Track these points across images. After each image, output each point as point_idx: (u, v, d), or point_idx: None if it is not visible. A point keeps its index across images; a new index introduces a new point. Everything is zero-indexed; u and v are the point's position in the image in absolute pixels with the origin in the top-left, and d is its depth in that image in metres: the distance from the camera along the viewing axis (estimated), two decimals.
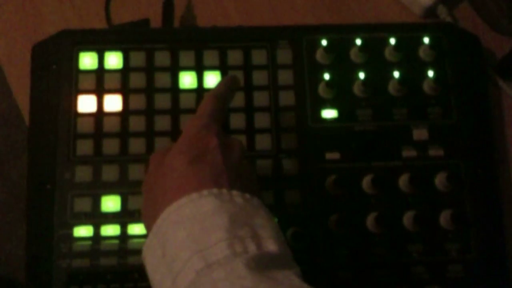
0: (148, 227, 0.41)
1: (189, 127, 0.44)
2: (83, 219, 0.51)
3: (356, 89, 0.55)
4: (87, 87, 0.55)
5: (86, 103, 0.54)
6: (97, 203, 0.52)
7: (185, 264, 0.36)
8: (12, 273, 1.22)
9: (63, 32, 0.57)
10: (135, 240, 0.51)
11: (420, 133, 0.55)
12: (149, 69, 0.55)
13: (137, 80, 0.55)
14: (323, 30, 0.57)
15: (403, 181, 0.53)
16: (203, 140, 0.42)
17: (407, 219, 0.52)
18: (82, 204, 0.52)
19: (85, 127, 0.54)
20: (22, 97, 0.59)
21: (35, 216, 0.52)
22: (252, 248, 0.36)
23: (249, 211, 0.39)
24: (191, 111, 0.55)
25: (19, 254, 1.22)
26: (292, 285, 0.35)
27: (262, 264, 0.36)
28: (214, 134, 0.42)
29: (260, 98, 0.56)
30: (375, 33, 0.57)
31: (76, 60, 0.55)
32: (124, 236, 0.52)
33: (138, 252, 0.50)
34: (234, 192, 0.39)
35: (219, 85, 0.48)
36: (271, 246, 0.37)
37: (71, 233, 0.51)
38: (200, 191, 0.39)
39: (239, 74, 0.56)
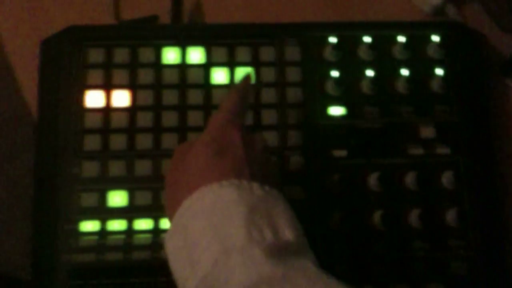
0: (170, 218, 0.42)
1: (213, 121, 0.45)
2: (89, 214, 0.51)
3: (364, 87, 0.55)
4: (95, 83, 0.55)
5: (94, 99, 0.55)
6: (103, 198, 0.52)
7: (204, 252, 0.37)
8: (12, 272, 1.22)
9: (71, 28, 0.57)
10: (141, 235, 0.52)
11: (427, 131, 0.55)
12: (157, 65, 0.55)
13: (145, 76, 0.55)
14: (332, 27, 0.57)
15: (409, 178, 0.53)
16: (226, 135, 0.43)
17: (413, 216, 0.52)
18: (89, 199, 0.52)
19: (93, 122, 0.54)
20: (30, 92, 0.59)
21: (41, 210, 0.52)
22: (269, 236, 0.37)
23: (267, 201, 0.39)
24: (199, 107, 0.55)
25: (20, 252, 1.22)
26: (308, 272, 0.36)
27: (279, 251, 0.36)
28: (238, 129, 0.43)
29: (268, 95, 0.56)
30: (383, 31, 0.57)
31: (84, 55, 0.56)
32: (130, 231, 0.52)
33: (144, 247, 0.51)
34: (254, 184, 0.40)
35: (242, 81, 0.49)
36: (288, 235, 0.38)
37: (77, 228, 0.51)
38: (220, 181, 0.39)
39: (247, 71, 0.55)
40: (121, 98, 0.55)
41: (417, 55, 0.57)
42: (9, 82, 0.60)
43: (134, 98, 0.55)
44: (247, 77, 0.49)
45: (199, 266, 0.37)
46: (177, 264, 0.39)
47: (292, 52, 0.57)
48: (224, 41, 0.57)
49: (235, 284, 0.35)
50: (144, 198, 0.52)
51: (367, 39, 0.57)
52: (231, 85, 0.54)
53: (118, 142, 0.53)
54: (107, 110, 0.54)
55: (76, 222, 0.51)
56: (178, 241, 0.39)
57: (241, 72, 0.56)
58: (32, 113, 0.59)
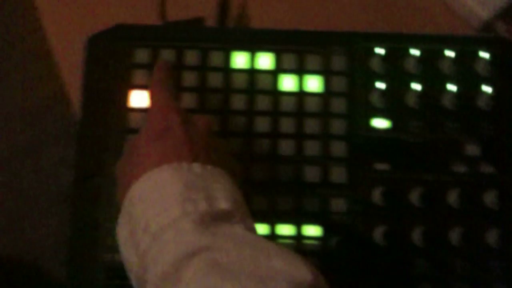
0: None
1: (150, 107, 0.46)
2: None
3: (410, 100, 0.55)
4: (140, 83, 0.55)
5: (138, 99, 0.55)
6: None
7: (144, 233, 0.37)
8: (39, 261, 1.23)
9: (118, 26, 0.57)
10: None
11: (472, 149, 0.54)
12: (203, 68, 0.55)
13: (190, 78, 0.55)
14: (380, 38, 0.57)
15: (452, 196, 0.52)
16: (164, 118, 0.44)
17: (454, 234, 0.52)
18: None
19: (136, 122, 0.54)
20: (72, 88, 0.59)
21: (81, 208, 0.52)
22: (203, 206, 0.37)
23: (206, 178, 0.40)
24: (242, 112, 0.55)
25: (47, 242, 1.23)
26: (238, 236, 0.37)
27: (210, 220, 0.37)
28: (175, 111, 0.44)
29: (312, 104, 0.55)
30: (431, 44, 0.57)
31: (130, 55, 0.56)
32: None
33: None
34: (194, 164, 0.40)
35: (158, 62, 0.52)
36: (223, 204, 0.38)
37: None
38: (161, 166, 0.40)
39: (293, 78, 0.55)
40: None
41: (464, 70, 0.56)
42: (48, 74, 0.61)
43: (178, 101, 0.55)
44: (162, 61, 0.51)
45: (139, 248, 0.37)
46: (126, 253, 0.39)
47: (339, 61, 0.56)
48: (270, 47, 0.56)
49: (168, 258, 0.35)
50: None
51: (414, 52, 0.56)
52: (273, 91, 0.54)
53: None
54: None
55: (115, 220, 0.51)
56: (124, 230, 0.40)
57: (285, 80, 0.55)
58: (70, 107, 0.59)
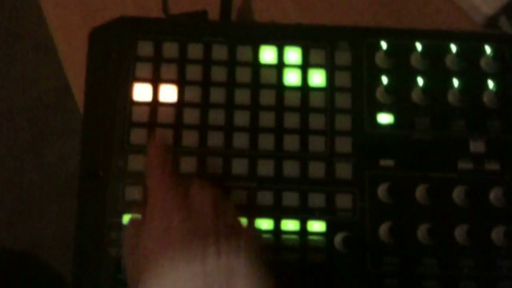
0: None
1: (150, 193, 0.43)
2: (134, 208, 0.51)
3: (415, 96, 0.54)
4: (143, 76, 0.55)
5: (141, 92, 0.54)
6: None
7: None
8: (42, 255, 1.23)
9: (122, 19, 0.56)
10: None
11: (477, 146, 0.54)
12: (206, 62, 0.55)
13: (193, 72, 0.55)
14: (385, 33, 0.56)
15: (457, 193, 0.52)
16: (166, 216, 0.41)
17: (460, 232, 0.51)
18: (134, 193, 0.52)
19: (140, 116, 0.54)
20: (76, 82, 0.59)
21: (87, 202, 0.52)
22: None
23: (221, 275, 0.37)
24: (246, 107, 0.54)
25: (49, 235, 1.23)
26: None
27: None
28: (176, 208, 0.41)
29: (316, 99, 0.55)
30: (436, 39, 0.56)
31: (134, 47, 0.55)
32: None
33: None
34: (208, 262, 0.37)
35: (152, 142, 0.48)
36: None
37: (121, 221, 0.51)
38: (172, 264, 0.38)
39: (297, 73, 0.55)
40: (169, 93, 0.54)
41: (470, 66, 0.56)
42: (51, 68, 0.60)
43: (181, 94, 0.54)
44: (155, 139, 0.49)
45: None
46: None
47: (343, 56, 0.56)
48: (273, 41, 0.56)
49: None
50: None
51: (420, 47, 0.55)
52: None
53: (164, 137, 0.53)
54: (154, 104, 0.54)
55: (120, 215, 0.51)
56: None
57: (289, 74, 0.55)
58: (74, 99, 0.58)
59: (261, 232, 0.50)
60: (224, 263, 0.37)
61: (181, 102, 0.54)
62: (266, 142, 0.53)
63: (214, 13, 0.61)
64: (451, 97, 0.55)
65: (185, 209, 0.40)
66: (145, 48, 0.55)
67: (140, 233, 0.41)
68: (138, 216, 0.44)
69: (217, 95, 0.54)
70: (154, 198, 0.42)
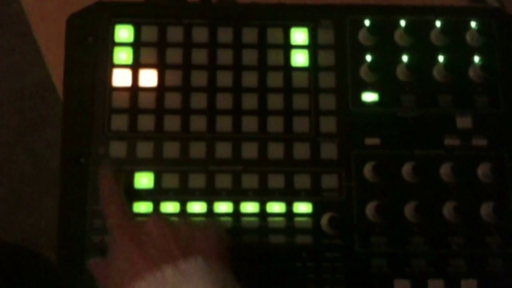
0: None
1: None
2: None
3: (400, 73, 0.54)
4: (122, 61, 0.54)
5: (121, 77, 0.53)
6: (130, 180, 0.51)
7: None
8: (34, 244, 1.22)
9: (99, 4, 0.55)
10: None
11: (464, 121, 0.53)
12: (187, 45, 0.54)
13: (173, 55, 0.54)
14: (367, 10, 0.55)
15: (444, 170, 0.51)
16: (117, 245, 0.45)
17: (448, 209, 0.51)
18: None
19: (120, 102, 0.53)
20: (55, 68, 0.58)
21: (69, 190, 0.51)
22: None
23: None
24: (227, 89, 0.54)
25: (42, 226, 1.22)
26: None
27: None
28: (121, 234, 0.45)
29: (299, 79, 0.54)
30: (421, 15, 0.55)
31: (112, 33, 0.54)
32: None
33: None
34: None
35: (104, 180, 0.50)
36: None
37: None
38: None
39: (279, 53, 0.54)
40: (149, 78, 0.53)
41: (455, 41, 0.55)
42: (35, 57, 0.59)
43: (161, 78, 0.53)
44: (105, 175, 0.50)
45: None
46: None
47: (326, 35, 0.55)
48: (255, 22, 0.55)
49: None
50: (171, 181, 0.51)
51: (403, 23, 0.54)
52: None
53: (145, 123, 0.52)
54: (135, 89, 0.53)
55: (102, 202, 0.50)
56: None
57: (271, 55, 0.54)
58: (57, 89, 0.57)
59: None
60: (180, 275, 0.40)
61: (162, 86, 0.53)
62: (250, 124, 0.52)
63: None
64: (436, 73, 0.54)
65: (141, 245, 0.43)
66: (124, 33, 0.54)
67: (108, 269, 0.45)
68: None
69: (199, 78, 0.54)
70: (115, 242, 0.45)
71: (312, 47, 0.54)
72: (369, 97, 0.53)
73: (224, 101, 0.53)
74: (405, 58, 0.54)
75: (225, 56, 0.54)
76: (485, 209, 0.51)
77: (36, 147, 1.19)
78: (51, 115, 1.21)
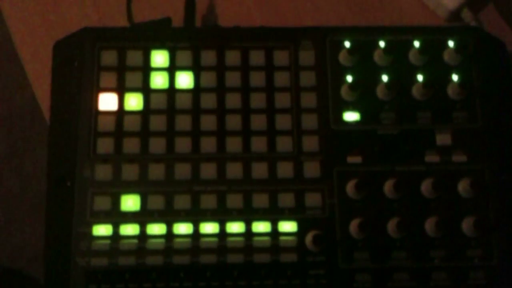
0: None
1: None
2: (102, 218, 0.51)
3: (380, 92, 0.55)
4: (108, 85, 0.55)
5: (107, 101, 0.54)
6: (116, 202, 0.52)
7: None
8: (23, 266, 1.22)
9: (85, 30, 0.56)
10: (154, 240, 0.51)
11: (443, 138, 0.54)
12: (171, 68, 0.55)
13: (158, 79, 0.55)
14: (347, 31, 0.57)
15: (425, 186, 0.52)
16: None
17: (429, 224, 0.52)
18: (102, 203, 0.52)
19: (105, 125, 0.53)
20: (42, 93, 0.59)
21: (54, 212, 0.52)
22: None
23: None
24: (211, 111, 0.54)
25: (30, 246, 1.22)
26: None
27: None
28: None
29: (282, 100, 0.55)
30: (399, 35, 0.57)
31: (97, 57, 0.55)
32: (143, 235, 0.51)
33: (157, 252, 0.50)
34: None
35: None
36: None
37: (90, 231, 0.51)
38: None
39: (261, 75, 0.55)
40: (134, 101, 0.54)
41: (433, 60, 0.56)
42: (22, 81, 0.60)
43: (147, 101, 0.54)
44: None
45: None
46: None
47: (307, 56, 0.56)
48: (237, 45, 0.56)
49: None
50: (157, 202, 0.52)
51: (383, 43, 0.56)
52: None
53: (131, 145, 0.53)
54: (120, 113, 0.54)
55: (89, 225, 0.51)
56: None
57: (254, 76, 0.55)
58: (43, 112, 0.58)
59: None
60: None
61: (147, 109, 0.54)
62: (234, 145, 0.53)
63: (179, 20, 0.61)
64: (415, 92, 0.55)
65: None
66: (109, 58, 0.55)
67: None
68: None
69: (183, 100, 0.55)
70: None
71: (294, 68, 0.55)
72: (350, 116, 0.54)
73: (208, 122, 0.54)
74: (384, 77, 0.55)
75: (209, 78, 0.55)
76: (466, 224, 0.52)
77: (24, 169, 1.19)
78: (39, 137, 1.22)
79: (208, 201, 0.52)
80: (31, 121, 1.20)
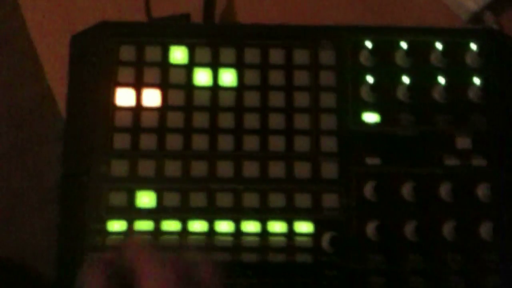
0: None
1: None
2: (117, 214, 0.51)
3: (400, 94, 0.54)
4: (126, 81, 0.54)
5: (124, 97, 0.54)
6: (132, 198, 0.51)
7: None
8: (28, 262, 1.22)
9: (102, 24, 0.56)
10: (168, 236, 0.51)
11: (463, 141, 0.54)
12: (189, 65, 0.54)
13: (176, 75, 0.54)
14: (368, 31, 0.56)
15: (444, 189, 0.52)
16: None
17: (447, 228, 0.51)
18: (117, 199, 0.51)
19: (123, 121, 0.53)
20: (58, 87, 0.58)
21: (69, 207, 0.52)
22: None
23: None
24: (230, 109, 0.54)
25: (36, 243, 1.22)
26: None
27: None
28: None
29: (300, 99, 0.54)
30: (421, 36, 0.56)
31: (115, 52, 0.55)
32: (157, 232, 0.51)
33: (170, 248, 0.50)
34: None
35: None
36: None
37: (104, 227, 0.50)
38: None
39: (280, 74, 0.54)
40: (152, 97, 0.54)
41: (455, 63, 0.55)
42: (36, 73, 0.60)
43: (165, 98, 0.54)
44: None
45: None
46: None
47: (327, 56, 0.55)
48: (257, 42, 0.55)
49: None
50: (173, 199, 0.51)
51: (404, 44, 0.55)
52: None
53: (148, 141, 0.52)
54: (138, 108, 0.53)
55: (104, 221, 0.51)
56: None
57: (272, 75, 0.54)
58: (57, 105, 0.58)
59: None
60: None
61: (165, 105, 0.54)
62: (251, 143, 0.53)
63: (197, 16, 0.60)
64: (436, 94, 0.54)
65: None
66: (127, 53, 0.55)
67: None
68: None
69: (201, 97, 0.54)
70: None
71: (314, 67, 0.55)
72: (369, 117, 0.54)
73: (226, 120, 0.54)
74: (405, 79, 0.54)
75: (227, 76, 0.54)
76: (484, 228, 0.51)
77: (30, 164, 1.19)
78: (44, 132, 1.21)
79: (224, 199, 0.52)
80: (38, 116, 1.20)
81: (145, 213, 0.51)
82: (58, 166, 0.54)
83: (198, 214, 0.51)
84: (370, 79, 0.55)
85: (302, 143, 0.53)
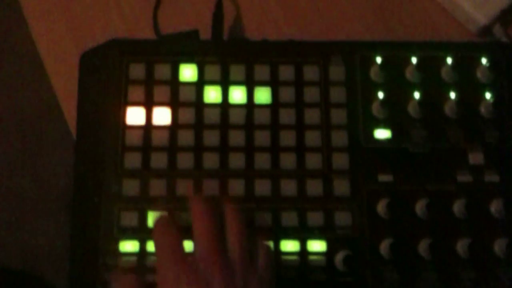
0: None
1: None
2: (129, 234, 0.50)
3: (411, 109, 0.54)
4: (135, 99, 0.54)
5: (134, 115, 0.53)
6: (143, 218, 0.51)
7: None
8: (38, 269, 1.22)
9: (112, 42, 0.56)
10: None
11: (475, 157, 0.53)
12: (199, 82, 0.54)
13: (186, 93, 0.54)
14: (378, 46, 0.56)
15: (458, 206, 0.52)
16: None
17: (461, 246, 0.51)
18: (129, 219, 0.51)
19: (133, 139, 0.53)
20: (64, 96, 0.58)
21: (81, 228, 0.51)
22: None
23: None
24: (240, 126, 0.54)
25: (44, 250, 1.22)
26: None
27: None
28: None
29: (311, 116, 0.54)
30: (431, 51, 0.56)
31: (125, 70, 0.54)
32: None
33: None
34: None
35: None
36: None
37: (117, 248, 0.50)
38: None
39: (290, 90, 0.54)
40: (162, 116, 0.54)
41: (465, 77, 0.55)
42: (42, 81, 0.60)
43: (175, 116, 0.53)
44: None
45: None
46: None
47: (337, 72, 0.55)
48: (266, 59, 0.55)
49: None
50: (184, 219, 0.51)
51: (414, 59, 0.55)
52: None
53: (159, 160, 0.52)
54: (148, 127, 0.53)
55: (116, 241, 0.50)
56: None
57: (282, 92, 0.54)
58: (63, 114, 0.58)
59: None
60: None
61: (175, 124, 0.53)
62: (262, 161, 0.53)
63: (206, 32, 0.60)
64: (447, 109, 0.54)
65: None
66: (137, 71, 0.54)
67: None
68: None
69: (211, 115, 0.54)
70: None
71: (324, 84, 0.54)
72: (381, 133, 0.53)
73: (236, 137, 0.53)
74: (416, 94, 0.54)
75: (238, 93, 0.54)
76: (499, 245, 0.51)
77: (39, 170, 1.19)
78: (54, 139, 1.22)
79: None
80: (47, 122, 1.20)
81: None
82: (67, 172, 0.54)
83: None
84: (380, 95, 0.54)
85: (313, 161, 0.53)
